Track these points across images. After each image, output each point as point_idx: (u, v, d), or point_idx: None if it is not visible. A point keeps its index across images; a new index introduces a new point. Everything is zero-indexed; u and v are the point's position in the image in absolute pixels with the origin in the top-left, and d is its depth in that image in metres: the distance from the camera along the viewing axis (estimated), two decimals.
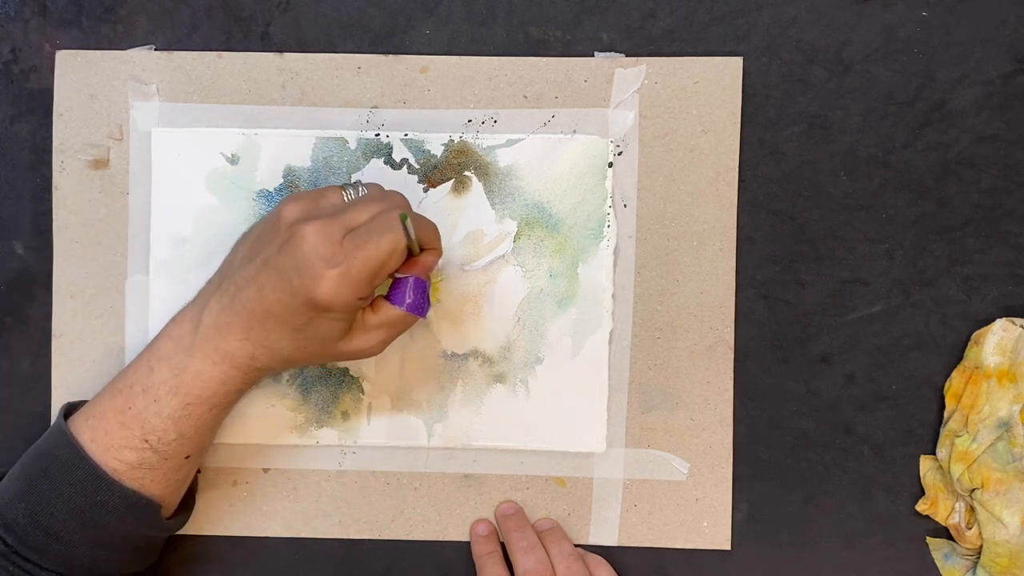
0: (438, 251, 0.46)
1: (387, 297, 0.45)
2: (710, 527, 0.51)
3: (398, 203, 0.44)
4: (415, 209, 0.51)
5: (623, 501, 0.51)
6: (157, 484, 0.45)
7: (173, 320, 0.45)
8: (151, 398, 0.44)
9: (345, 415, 0.51)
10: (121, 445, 0.44)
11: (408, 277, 0.44)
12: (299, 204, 0.43)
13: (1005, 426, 0.49)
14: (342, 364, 0.51)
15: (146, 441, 0.44)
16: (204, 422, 0.45)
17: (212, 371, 0.44)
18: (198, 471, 0.51)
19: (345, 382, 0.51)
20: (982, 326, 0.50)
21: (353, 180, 0.49)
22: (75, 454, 0.44)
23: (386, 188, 0.46)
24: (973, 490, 0.49)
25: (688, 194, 0.51)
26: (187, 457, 0.45)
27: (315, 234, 0.41)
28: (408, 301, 0.45)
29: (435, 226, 0.46)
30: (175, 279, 0.51)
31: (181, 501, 0.48)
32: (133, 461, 0.44)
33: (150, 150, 0.51)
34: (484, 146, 0.51)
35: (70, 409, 0.47)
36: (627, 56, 0.51)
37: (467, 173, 0.51)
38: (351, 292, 0.41)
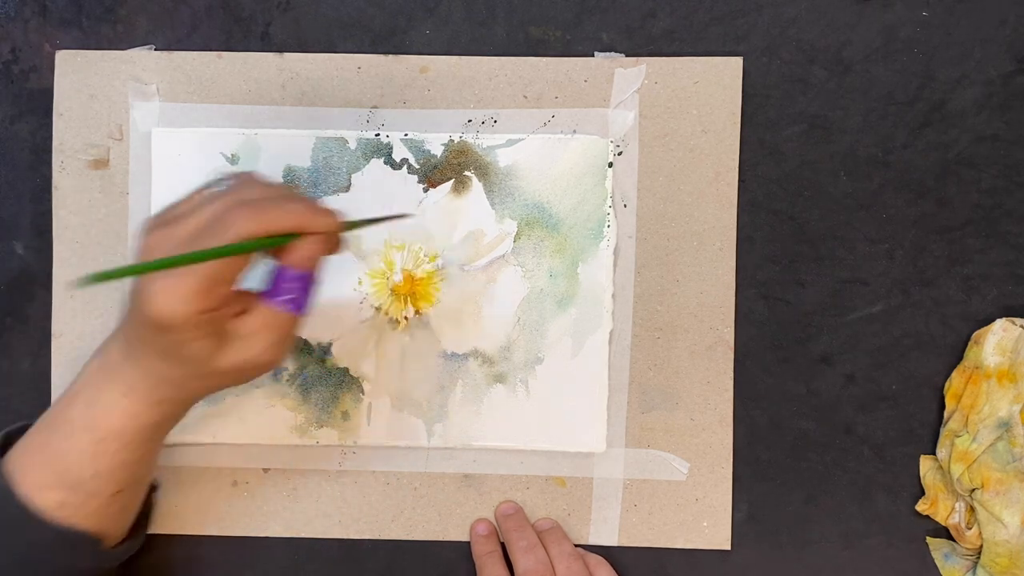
0: (321, 239, 0.39)
1: (263, 294, 0.40)
2: (710, 527, 0.51)
3: (240, 197, 0.38)
4: (415, 209, 0.51)
5: (623, 501, 0.51)
6: (90, 519, 0.42)
7: (94, 352, 0.43)
8: (66, 434, 0.41)
9: (345, 415, 0.51)
10: (43, 484, 0.41)
11: (283, 270, 0.39)
12: (153, 218, 0.40)
13: (1005, 426, 0.49)
14: (341, 364, 0.51)
15: (67, 480, 0.41)
16: (122, 459, 0.41)
17: (120, 403, 0.41)
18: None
19: (345, 382, 0.51)
20: (982, 326, 0.50)
21: (222, 176, 0.42)
22: (4, 491, 0.41)
23: (254, 178, 0.41)
24: (973, 490, 0.49)
25: (688, 194, 0.51)
26: (116, 492, 0.42)
27: (145, 250, 0.38)
28: (281, 297, 0.39)
29: (307, 206, 0.38)
30: None
31: (133, 524, 0.46)
32: (58, 499, 0.41)
33: (150, 150, 0.51)
34: (484, 146, 0.51)
35: (10, 437, 0.44)
36: (627, 56, 0.51)
37: (467, 173, 0.51)
38: (186, 306, 0.37)
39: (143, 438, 0.42)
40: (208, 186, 0.41)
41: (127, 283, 0.40)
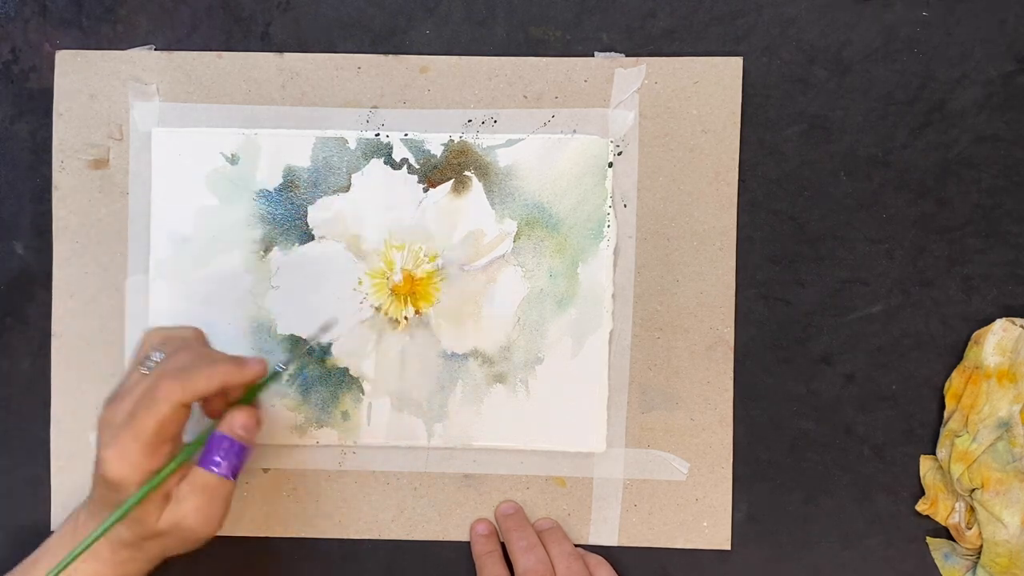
0: (252, 413, 0.44)
1: (201, 457, 0.43)
2: (710, 527, 0.51)
3: (167, 368, 0.43)
4: (417, 210, 0.51)
5: (623, 501, 0.51)
6: None
7: (65, 519, 0.46)
8: None
9: (345, 415, 0.51)
10: None
11: (217, 436, 0.43)
12: (109, 395, 0.44)
13: (1005, 426, 0.49)
14: (341, 364, 0.51)
15: None
16: None
17: (83, 568, 0.43)
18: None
19: (345, 382, 0.51)
20: (982, 326, 0.50)
21: (153, 355, 0.44)
22: None
23: (178, 332, 0.46)
24: (973, 490, 0.49)
25: (688, 194, 0.51)
26: None
27: (102, 423, 0.43)
28: (216, 463, 0.43)
29: (230, 365, 0.43)
30: (175, 279, 0.51)
31: None
32: None
33: (150, 150, 0.51)
34: (484, 146, 0.51)
35: None
36: (627, 56, 0.51)
37: (467, 173, 0.51)
38: (131, 466, 0.41)
39: None
40: (145, 356, 0.44)
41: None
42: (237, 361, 0.44)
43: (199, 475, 0.43)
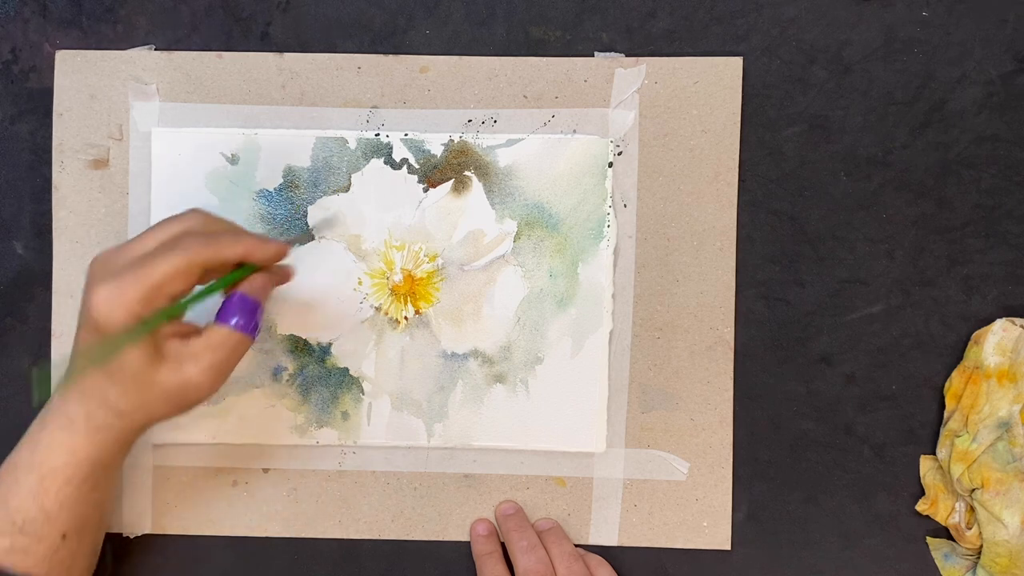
0: (277, 274, 0.45)
1: (216, 317, 0.43)
2: (710, 527, 0.51)
3: (188, 225, 0.42)
4: (417, 210, 0.51)
5: (623, 501, 0.51)
6: (41, 567, 0.42)
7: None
8: (13, 478, 0.42)
9: (345, 415, 0.51)
10: None
11: (235, 294, 0.43)
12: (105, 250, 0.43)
13: (1005, 426, 0.49)
14: (341, 364, 0.51)
15: (14, 523, 0.42)
16: (66, 497, 0.42)
17: (59, 438, 0.42)
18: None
19: (345, 382, 0.51)
20: (982, 326, 0.50)
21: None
22: None
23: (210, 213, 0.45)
24: (973, 490, 0.49)
25: (688, 194, 0.51)
26: (63, 537, 0.43)
27: (96, 262, 0.42)
28: (234, 320, 0.42)
29: (255, 238, 0.43)
30: None
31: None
32: (5, 546, 0.42)
33: (150, 150, 0.51)
34: (484, 146, 0.51)
35: None
36: (627, 56, 0.51)
37: (467, 173, 0.51)
38: (124, 308, 0.39)
39: (84, 475, 0.42)
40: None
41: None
42: (262, 238, 0.44)
43: (218, 332, 0.42)
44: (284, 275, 0.46)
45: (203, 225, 0.43)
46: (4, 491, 0.43)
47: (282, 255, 0.44)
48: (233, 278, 0.43)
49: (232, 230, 0.44)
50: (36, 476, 0.42)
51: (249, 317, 0.43)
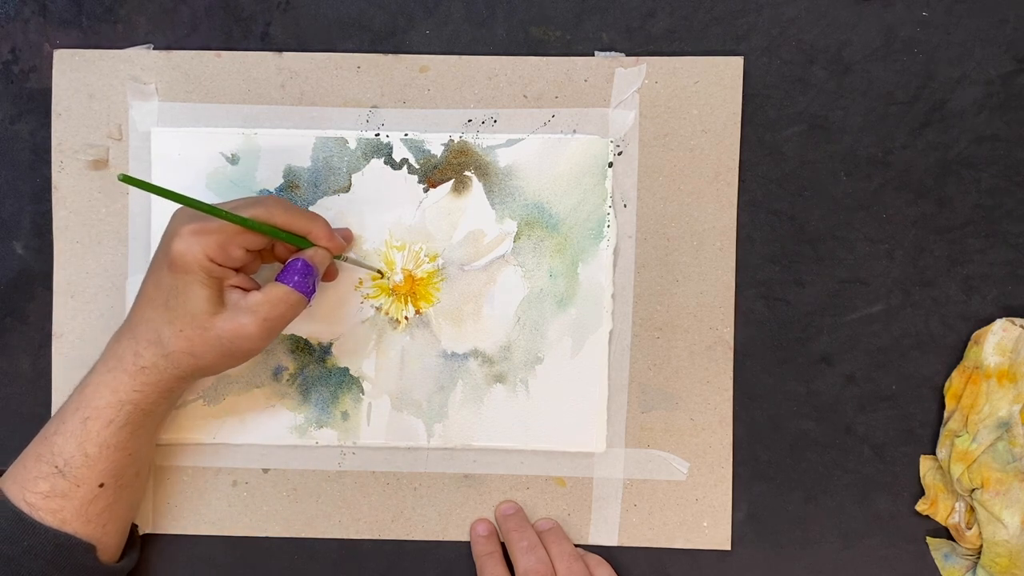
0: (330, 248, 0.47)
1: (277, 278, 0.45)
2: (710, 527, 0.51)
3: (271, 198, 0.46)
4: (417, 210, 0.51)
5: (623, 501, 0.51)
6: (78, 519, 0.44)
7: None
8: (59, 420, 0.45)
9: (345, 415, 0.51)
10: (35, 476, 0.44)
11: (297, 259, 0.46)
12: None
13: (1005, 426, 0.49)
14: (341, 364, 0.51)
15: (55, 467, 0.44)
16: (105, 439, 0.44)
17: (104, 379, 0.44)
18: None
19: (345, 382, 0.51)
20: (982, 326, 0.50)
21: None
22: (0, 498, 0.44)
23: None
24: (973, 490, 0.49)
25: (688, 194, 0.51)
26: (101, 485, 0.44)
27: (181, 210, 0.45)
28: (295, 280, 0.45)
29: (340, 240, 0.47)
30: None
31: (127, 545, 0.48)
32: (45, 490, 0.44)
33: (150, 150, 0.51)
34: (484, 146, 0.51)
35: None
36: (627, 56, 0.51)
37: (467, 173, 0.51)
38: (202, 248, 0.43)
39: (124, 417, 0.44)
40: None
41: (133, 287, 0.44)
42: (331, 228, 0.47)
43: (278, 288, 0.45)
44: (334, 270, 0.50)
45: (284, 203, 0.46)
46: (51, 431, 0.45)
47: (342, 249, 0.48)
48: (297, 244, 0.46)
49: (308, 212, 0.47)
50: (80, 417, 0.44)
51: (308, 280, 0.45)
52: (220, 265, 0.44)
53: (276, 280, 0.45)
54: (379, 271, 0.51)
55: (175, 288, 0.43)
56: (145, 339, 0.44)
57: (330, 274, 0.50)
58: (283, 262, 0.47)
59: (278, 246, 0.47)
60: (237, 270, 0.45)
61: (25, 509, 0.43)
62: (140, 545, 0.50)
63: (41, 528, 0.43)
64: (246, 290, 0.45)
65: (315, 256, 0.46)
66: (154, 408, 0.45)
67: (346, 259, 0.49)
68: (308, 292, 0.46)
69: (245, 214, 0.43)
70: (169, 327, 0.44)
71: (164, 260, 0.44)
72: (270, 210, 0.44)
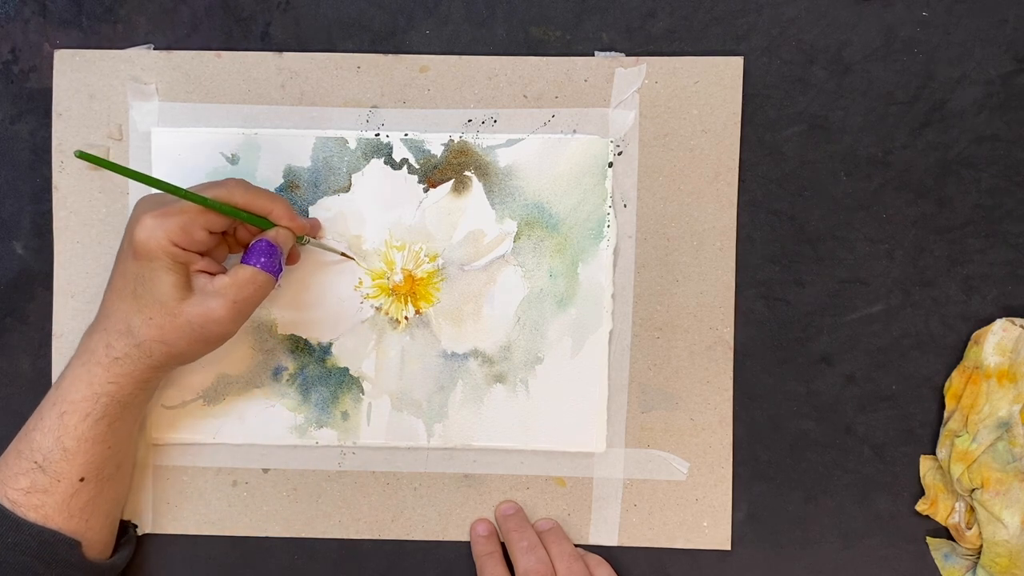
0: (291, 228, 0.47)
1: (242, 260, 0.45)
2: (710, 527, 0.51)
3: (232, 180, 0.46)
4: (417, 210, 0.51)
5: (623, 501, 0.51)
6: (60, 514, 0.44)
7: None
8: (38, 416, 0.45)
9: (345, 415, 0.51)
10: (15, 472, 0.44)
11: (260, 239, 0.45)
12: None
13: (1005, 426, 0.49)
14: (341, 364, 0.51)
15: (35, 462, 0.44)
16: (82, 433, 0.44)
17: (78, 372, 0.44)
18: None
19: (345, 382, 0.51)
20: (982, 326, 0.50)
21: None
22: None
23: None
24: (973, 490, 0.49)
25: (688, 194, 0.51)
26: (81, 480, 0.44)
27: (143, 199, 0.45)
28: (260, 260, 0.45)
29: (302, 221, 0.47)
30: None
31: (117, 543, 0.48)
32: (26, 486, 0.44)
33: (150, 150, 0.51)
34: (484, 146, 0.51)
35: None
36: (627, 56, 0.51)
37: (467, 173, 0.51)
38: (165, 232, 0.42)
39: (101, 410, 0.44)
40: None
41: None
42: (292, 209, 0.47)
43: (244, 270, 0.44)
44: (296, 253, 0.50)
45: (245, 183, 0.46)
46: (30, 427, 0.45)
47: (304, 230, 0.47)
48: (259, 225, 0.46)
49: (269, 193, 0.47)
50: (57, 411, 0.44)
51: (273, 260, 0.45)
52: (184, 249, 0.43)
53: (241, 262, 0.45)
54: (343, 253, 0.50)
55: (141, 276, 0.43)
56: (115, 330, 0.44)
57: (292, 257, 0.50)
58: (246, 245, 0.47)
59: (240, 229, 0.47)
60: (203, 255, 0.45)
61: (8, 506, 0.44)
62: (136, 544, 0.50)
63: (24, 524, 0.43)
64: (213, 274, 0.45)
65: (278, 236, 0.46)
66: (131, 400, 0.45)
67: (307, 242, 0.49)
68: (275, 272, 0.45)
69: (206, 195, 0.43)
70: (138, 316, 0.43)
71: (129, 249, 0.44)
72: (230, 190, 0.44)
